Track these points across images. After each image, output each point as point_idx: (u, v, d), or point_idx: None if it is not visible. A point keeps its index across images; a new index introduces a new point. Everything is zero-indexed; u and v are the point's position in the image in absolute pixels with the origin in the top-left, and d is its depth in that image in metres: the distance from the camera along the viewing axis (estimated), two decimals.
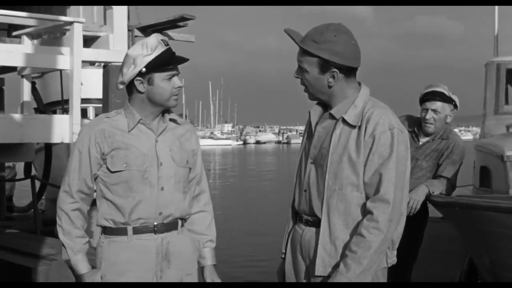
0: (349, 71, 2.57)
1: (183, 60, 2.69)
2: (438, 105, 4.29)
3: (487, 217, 4.57)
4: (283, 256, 2.80)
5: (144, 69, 2.62)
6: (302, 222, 2.67)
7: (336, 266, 2.49)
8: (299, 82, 2.66)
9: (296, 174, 2.74)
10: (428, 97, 4.32)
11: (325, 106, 2.66)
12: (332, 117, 2.59)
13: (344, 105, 2.57)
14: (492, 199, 4.76)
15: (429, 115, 4.30)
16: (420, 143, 4.39)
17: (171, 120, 2.79)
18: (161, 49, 2.64)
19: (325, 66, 2.53)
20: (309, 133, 2.71)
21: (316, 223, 2.59)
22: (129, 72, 2.63)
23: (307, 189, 2.64)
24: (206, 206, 2.92)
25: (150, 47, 2.63)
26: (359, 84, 2.62)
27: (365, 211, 2.47)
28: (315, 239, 2.58)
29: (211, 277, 2.88)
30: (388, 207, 2.42)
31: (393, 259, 2.61)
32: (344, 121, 2.54)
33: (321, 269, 2.53)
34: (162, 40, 2.67)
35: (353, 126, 2.52)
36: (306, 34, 2.59)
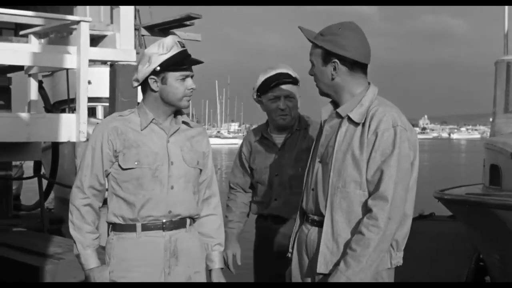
0: (354, 65, 2.58)
1: (197, 62, 2.75)
2: (291, 89, 3.44)
3: (497, 214, 4.55)
4: (290, 255, 2.80)
5: (158, 68, 2.67)
6: (308, 222, 2.68)
7: (337, 264, 2.48)
8: (306, 81, 2.71)
9: (306, 173, 2.75)
10: (275, 81, 3.43)
11: (336, 105, 2.67)
12: (338, 115, 2.61)
13: (351, 103, 2.58)
14: (502, 197, 4.75)
15: (284, 104, 3.41)
16: (279, 145, 3.49)
17: (183, 122, 2.83)
18: (176, 49, 2.70)
19: (327, 57, 2.57)
20: (319, 133, 2.73)
21: (321, 222, 2.58)
22: (144, 70, 2.69)
23: (314, 187, 2.64)
24: (216, 210, 2.95)
25: (166, 47, 2.68)
26: (369, 84, 2.63)
27: (367, 209, 2.46)
28: (319, 238, 2.57)
29: (218, 280, 2.92)
30: (387, 204, 2.40)
31: (397, 260, 2.59)
32: (350, 119, 2.55)
33: (323, 267, 2.53)
34: (178, 41, 2.73)
35: (357, 124, 2.53)
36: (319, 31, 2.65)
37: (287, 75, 3.42)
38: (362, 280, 2.40)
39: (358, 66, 2.59)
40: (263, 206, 3.51)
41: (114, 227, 2.75)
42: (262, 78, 3.47)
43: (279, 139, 3.49)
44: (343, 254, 2.47)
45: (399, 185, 2.43)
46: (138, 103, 3.04)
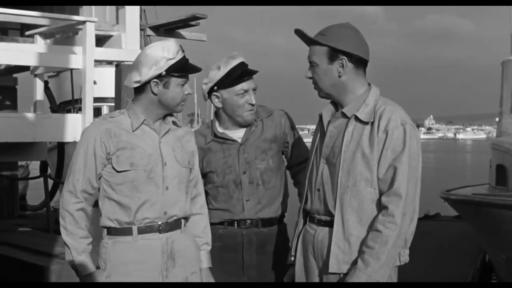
0: (358, 62, 2.60)
1: (198, 69, 2.75)
2: (254, 82, 3.13)
3: (503, 215, 4.54)
4: (292, 259, 2.78)
5: (164, 72, 2.66)
6: (314, 222, 2.67)
7: (350, 263, 2.50)
8: (310, 81, 2.69)
9: (308, 174, 2.74)
10: (241, 72, 3.09)
11: (336, 106, 2.69)
12: (344, 115, 2.62)
13: (356, 103, 2.60)
14: (508, 197, 4.74)
15: (253, 98, 3.10)
16: (240, 140, 3.14)
17: (172, 122, 2.82)
18: (181, 54, 2.70)
19: (333, 54, 2.58)
20: (321, 133, 2.72)
21: (329, 222, 2.59)
22: (150, 73, 2.66)
23: (320, 188, 2.64)
24: (202, 209, 2.94)
25: (173, 52, 2.67)
26: (369, 84, 2.65)
27: (379, 207, 2.49)
28: (328, 238, 2.57)
29: (207, 279, 2.90)
30: (401, 200, 2.43)
31: (405, 257, 2.60)
32: (357, 118, 2.57)
33: (335, 267, 2.53)
34: (180, 45, 2.73)
35: (365, 123, 2.55)
36: (316, 33, 2.65)
37: (247, 65, 3.11)
38: (382, 277, 2.43)
39: (361, 64, 2.62)
40: (230, 212, 3.10)
41: (109, 231, 2.71)
42: (224, 70, 3.06)
43: (237, 134, 3.14)
44: (358, 253, 2.48)
45: (411, 181, 2.47)
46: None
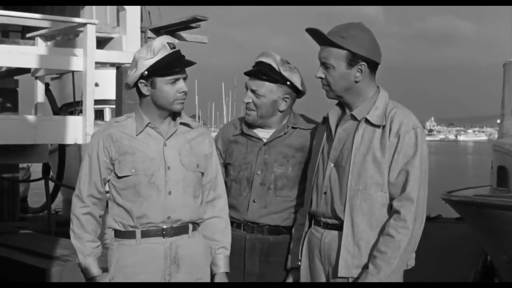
0: (374, 67, 2.59)
1: (188, 63, 2.67)
2: (259, 84, 2.98)
3: (504, 216, 4.53)
4: (299, 263, 2.75)
5: (146, 72, 2.61)
6: (320, 225, 2.64)
7: (359, 267, 2.48)
8: (312, 82, 2.67)
9: (313, 177, 2.71)
10: (251, 71, 3.04)
11: (343, 107, 2.66)
12: (353, 118, 2.59)
13: (366, 106, 2.57)
14: (509, 199, 4.73)
15: (247, 98, 3.01)
16: (265, 140, 3.04)
17: (182, 124, 2.76)
18: (164, 52, 2.61)
19: (353, 59, 2.54)
20: (328, 136, 2.69)
21: (337, 226, 2.57)
22: (132, 75, 2.64)
23: (327, 191, 2.61)
24: (221, 212, 2.86)
25: (153, 50, 2.61)
26: (377, 87, 2.64)
27: (390, 211, 2.47)
28: (337, 242, 2.55)
29: None
30: (413, 205, 2.42)
31: (412, 261, 2.59)
32: (367, 121, 2.54)
33: (344, 271, 2.51)
34: (168, 43, 2.64)
35: (377, 126, 2.52)
36: (329, 32, 2.59)
37: (269, 67, 2.97)
38: (393, 282, 2.42)
39: (375, 68, 2.60)
40: (237, 211, 3.00)
41: (116, 233, 2.72)
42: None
43: (264, 133, 3.05)
44: (367, 257, 2.47)
45: (422, 185, 2.47)
46: None
